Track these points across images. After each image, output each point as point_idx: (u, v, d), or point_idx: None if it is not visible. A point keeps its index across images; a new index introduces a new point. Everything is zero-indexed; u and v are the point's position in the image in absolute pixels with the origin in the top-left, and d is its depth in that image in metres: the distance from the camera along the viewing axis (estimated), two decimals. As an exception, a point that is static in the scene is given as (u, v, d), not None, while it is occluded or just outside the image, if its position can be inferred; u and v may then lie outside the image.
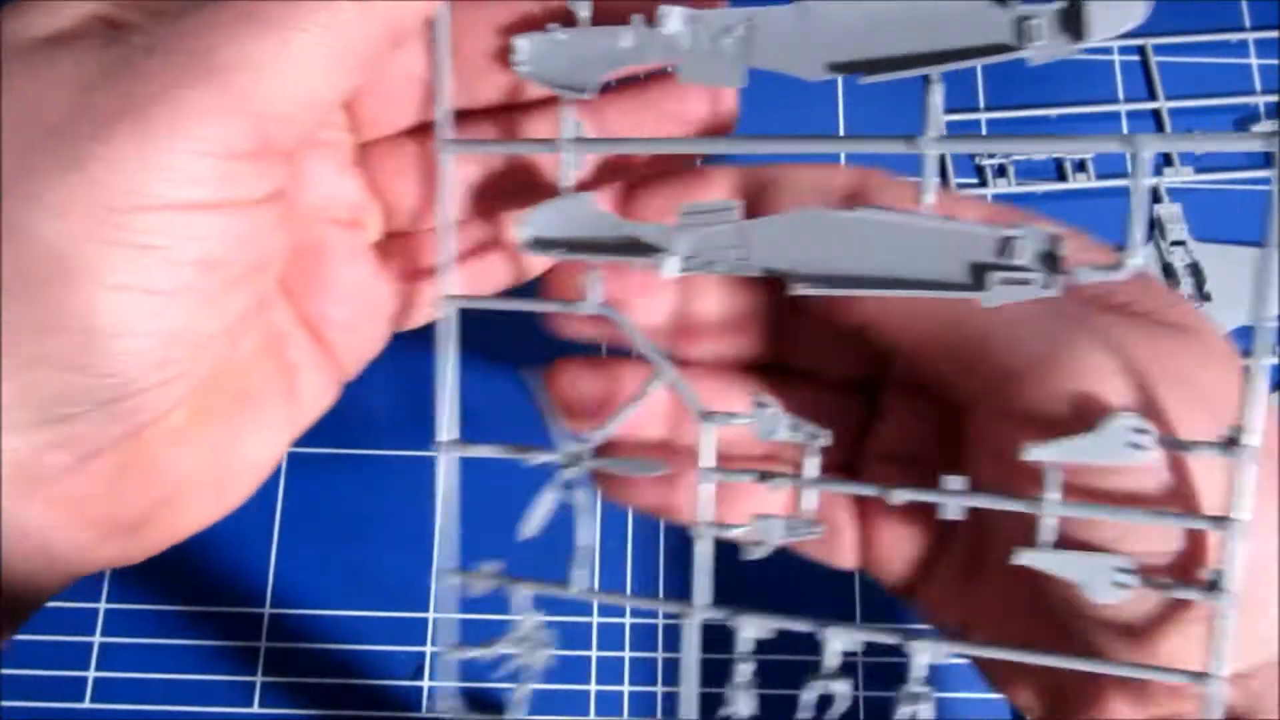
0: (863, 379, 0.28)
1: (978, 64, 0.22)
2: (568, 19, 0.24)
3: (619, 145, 0.26)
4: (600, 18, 0.24)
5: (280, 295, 0.26)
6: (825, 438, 0.24)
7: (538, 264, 0.27)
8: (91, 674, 0.40)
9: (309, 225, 0.26)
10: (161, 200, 0.20)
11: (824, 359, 0.28)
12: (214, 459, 0.24)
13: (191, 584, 0.41)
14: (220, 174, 0.21)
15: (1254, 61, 0.48)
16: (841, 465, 0.27)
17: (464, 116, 0.26)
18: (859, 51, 0.22)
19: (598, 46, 0.24)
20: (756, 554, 0.24)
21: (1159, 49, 0.48)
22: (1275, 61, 0.48)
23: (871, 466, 0.27)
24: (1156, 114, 0.47)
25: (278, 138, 0.22)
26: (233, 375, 0.24)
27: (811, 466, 0.24)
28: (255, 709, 0.40)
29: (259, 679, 0.40)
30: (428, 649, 0.40)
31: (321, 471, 0.42)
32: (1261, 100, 0.47)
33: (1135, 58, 0.48)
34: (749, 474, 0.24)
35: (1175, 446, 0.21)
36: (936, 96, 0.22)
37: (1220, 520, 0.21)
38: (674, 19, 0.23)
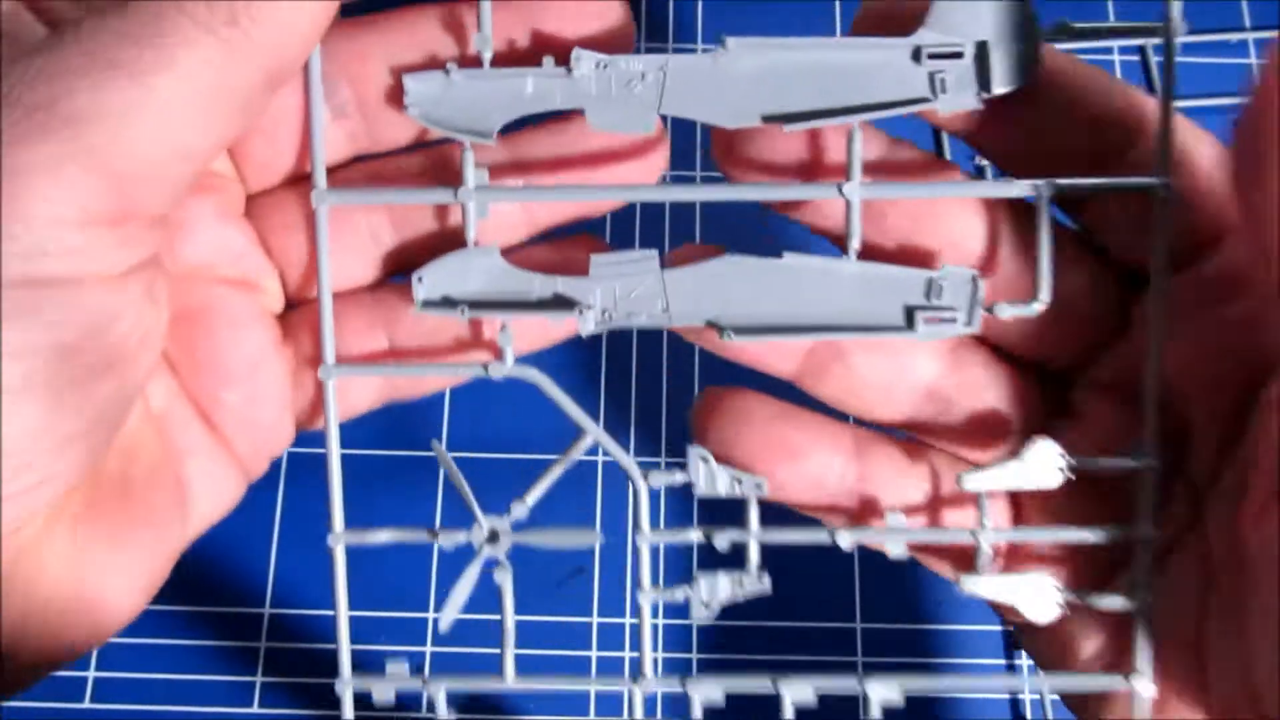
0: (1056, 367, 0.24)
1: (893, 114, 0.22)
2: (475, 59, 0.23)
3: (528, 194, 0.24)
4: (506, 59, 0.23)
5: (164, 371, 0.23)
6: (763, 488, 0.23)
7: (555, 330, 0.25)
8: (91, 674, 0.40)
9: (190, 285, 0.23)
10: (2, 278, 0.18)
11: (1024, 337, 0.24)
12: (84, 575, 0.21)
13: (191, 584, 0.41)
14: (74, 244, 0.18)
15: (1254, 61, 0.48)
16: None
17: (369, 160, 0.24)
18: (776, 101, 0.22)
19: (497, 90, 0.23)
20: (704, 618, 0.24)
21: (1159, 49, 0.48)
22: (1275, 61, 0.48)
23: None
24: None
25: (143, 199, 0.19)
26: (105, 475, 0.21)
27: (752, 518, 0.23)
28: (255, 709, 0.40)
29: (259, 679, 0.40)
30: (428, 649, 0.40)
31: (321, 472, 0.42)
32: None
33: (1135, 58, 0.48)
34: (693, 530, 0.24)
35: (1089, 467, 0.22)
36: (858, 144, 0.22)
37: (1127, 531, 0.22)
38: (585, 62, 0.22)
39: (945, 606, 0.41)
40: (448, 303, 0.23)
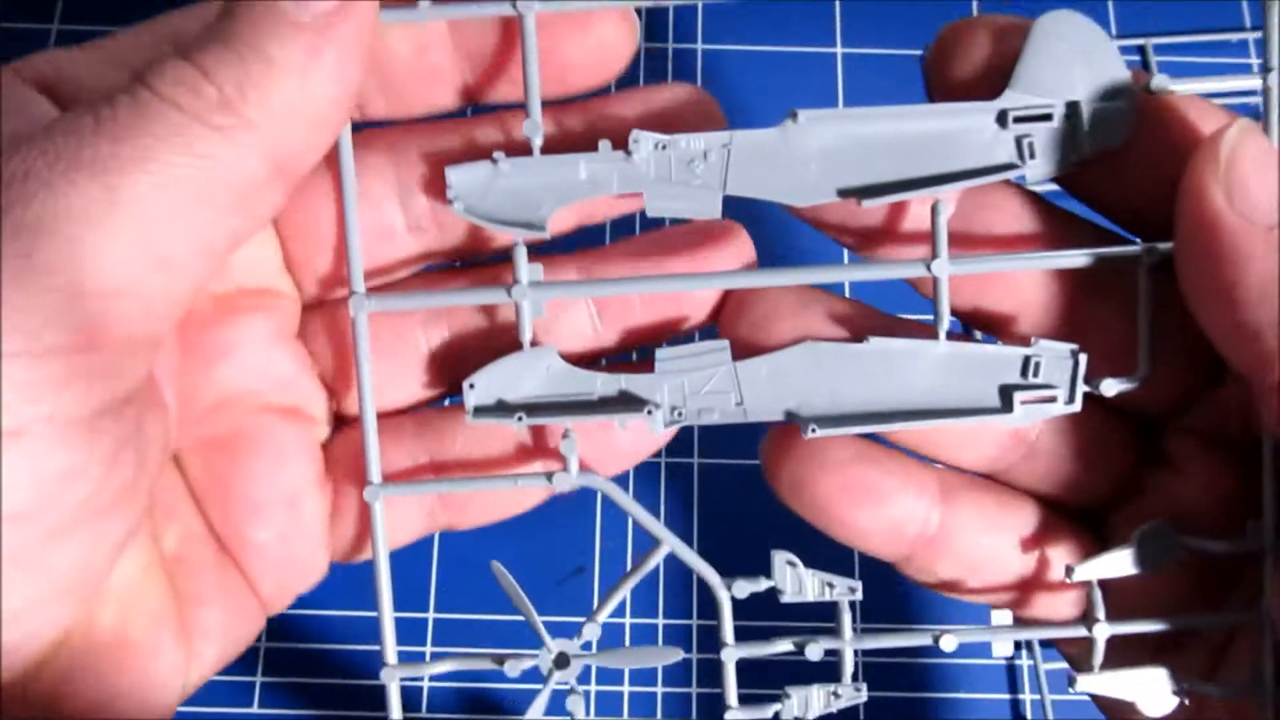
0: (1153, 413, 0.23)
1: (978, 183, 0.21)
2: (522, 147, 0.21)
3: (585, 289, 0.22)
4: (559, 143, 0.21)
5: (184, 506, 0.21)
6: (857, 591, 0.22)
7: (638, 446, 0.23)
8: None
9: (228, 412, 0.22)
10: None
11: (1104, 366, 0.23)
12: None
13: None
14: (21, 380, 0.16)
15: (1254, 61, 0.48)
16: (1096, 503, 0.23)
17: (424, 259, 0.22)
18: (851, 175, 0.21)
19: (547, 178, 0.21)
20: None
21: (1159, 49, 0.48)
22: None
23: (1132, 532, 0.23)
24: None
25: (113, 320, 0.17)
26: (94, 629, 0.19)
27: (845, 625, 0.22)
28: (255, 709, 0.40)
29: (259, 679, 0.40)
30: (428, 649, 0.40)
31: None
32: (1261, 100, 0.47)
33: (1135, 58, 0.48)
34: (783, 641, 0.22)
35: (1204, 550, 0.21)
36: (943, 218, 0.21)
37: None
38: (645, 144, 0.21)
39: (945, 608, 0.41)
40: (502, 409, 0.21)
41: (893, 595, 0.41)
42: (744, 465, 0.42)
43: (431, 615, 0.41)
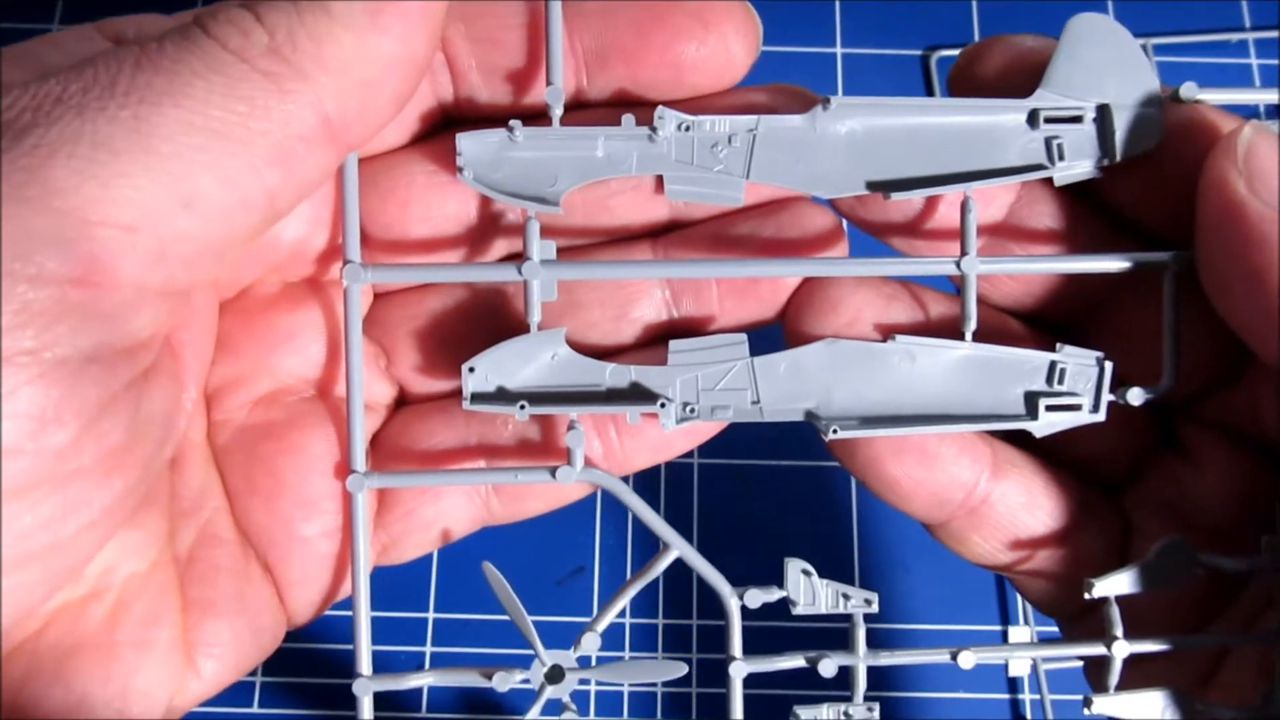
0: (1171, 402, 0.23)
1: (1006, 181, 0.21)
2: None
3: (599, 270, 0.21)
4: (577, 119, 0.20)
5: (217, 503, 0.21)
6: (873, 603, 0.21)
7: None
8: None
9: (284, 401, 0.21)
10: None
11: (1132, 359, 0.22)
12: None
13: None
14: (11, 307, 0.15)
15: (1254, 61, 0.48)
16: (1113, 477, 0.23)
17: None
18: (880, 167, 0.20)
19: (563, 150, 0.20)
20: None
21: (1159, 49, 0.48)
22: (1275, 61, 0.48)
23: (1149, 520, 0.23)
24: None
25: (123, 259, 0.16)
26: (79, 626, 0.19)
27: (859, 640, 0.21)
28: (255, 709, 0.40)
29: (259, 679, 0.40)
30: (428, 649, 0.40)
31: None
32: (1261, 100, 0.47)
33: (1136, 58, 0.48)
34: (794, 657, 0.21)
35: (1218, 567, 0.21)
36: (973, 216, 0.20)
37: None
38: (669, 122, 0.20)
39: (945, 607, 0.41)
40: (503, 396, 0.20)
41: (890, 586, 0.41)
42: (744, 465, 0.42)
43: (431, 615, 0.40)
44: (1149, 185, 0.21)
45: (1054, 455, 0.23)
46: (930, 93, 0.47)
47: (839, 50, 0.47)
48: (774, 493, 0.42)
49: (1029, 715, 0.40)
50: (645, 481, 0.42)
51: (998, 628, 0.41)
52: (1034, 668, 0.40)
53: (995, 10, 0.47)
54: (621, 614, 0.41)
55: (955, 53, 0.47)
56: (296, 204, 0.18)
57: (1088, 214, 0.22)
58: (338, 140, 0.17)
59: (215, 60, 0.16)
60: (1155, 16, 0.47)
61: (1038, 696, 0.40)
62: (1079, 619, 0.23)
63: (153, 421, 0.18)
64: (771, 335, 0.23)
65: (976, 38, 0.48)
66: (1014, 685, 0.41)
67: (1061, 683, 0.40)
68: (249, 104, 0.16)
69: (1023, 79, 0.21)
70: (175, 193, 0.16)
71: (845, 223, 0.22)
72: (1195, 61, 0.48)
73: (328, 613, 0.44)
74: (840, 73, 0.47)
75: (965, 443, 0.22)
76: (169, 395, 0.19)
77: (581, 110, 0.21)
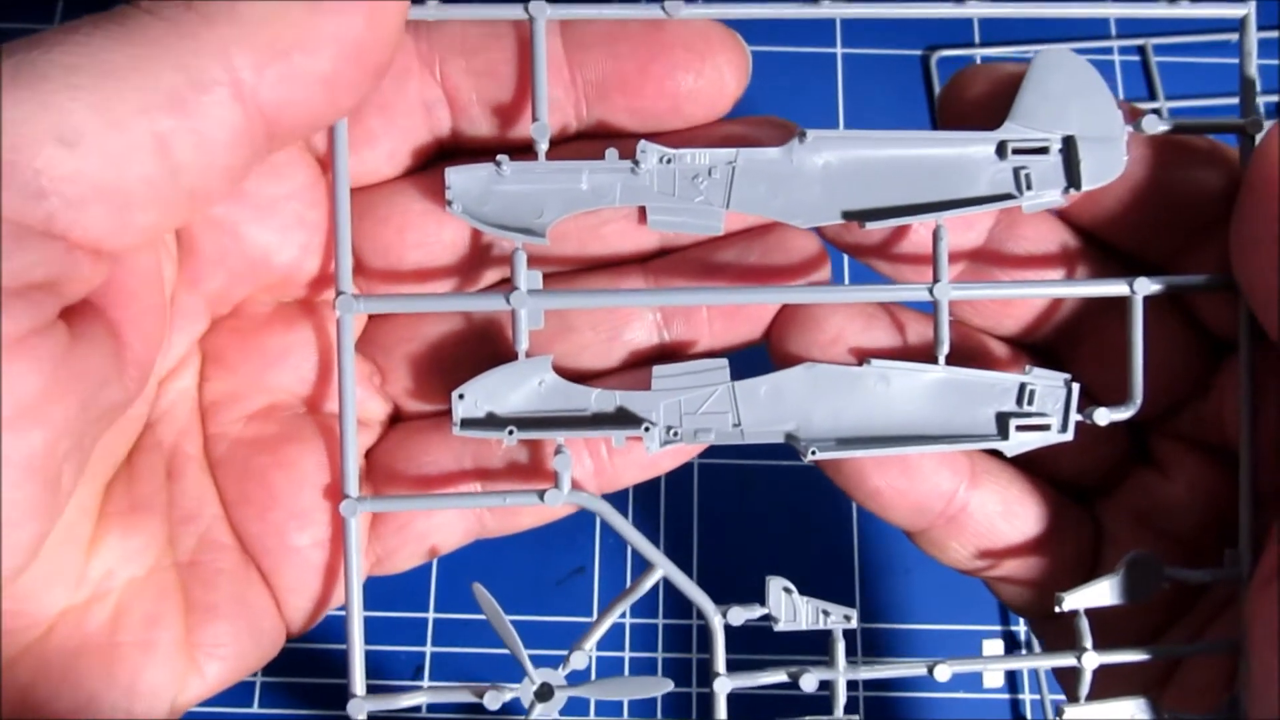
0: (1138, 418, 0.23)
1: (977, 211, 0.21)
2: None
3: (585, 299, 0.22)
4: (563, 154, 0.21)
5: (214, 511, 0.21)
6: (852, 619, 0.22)
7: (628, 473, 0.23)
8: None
9: (278, 417, 0.22)
10: None
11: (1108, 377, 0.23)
12: None
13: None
14: None
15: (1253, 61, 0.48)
16: (1087, 486, 0.24)
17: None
18: (855, 197, 0.21)
19: (549, 184, 0.21)
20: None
21: (1159, 49, 0.48)
22: (1275, 61, 0.48)
23: (1121, 528, 0.24)
24: (1157, 114, 0.47)
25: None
26: (83, 628, 0.19)
27: (839, 655, 0.22)
28: (255, 709, 0.40)
29: (259, 679, 0.40)
30: (428, 649, 0.40)
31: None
32: (1261, 100, 0.47)
33: (1135, 58, 0.48)
34: (776, 672, 0.22)
35: (1183, 579, 0.22)
36: (944, 244, 0.21)
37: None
38: (650, 155, 0.21)
39: (945, 606, 0.41)
40: (493, 421, 0.21)
41: (890, 586, 0.41)
42: (744, 465, 0.42)
43: (431, 615, 0.41)
44: (1123, 210, 0.22)
45: (1031, 466, 0.24)
46: (930, 92, 0.47)
47: (839, 50, 0.47)
48: (774, 493, 0.42)
49: (1029, 715, 0.40)
50: (646, 482, 0.42)
51: (998, 628, 0.41)
52: (1035, 671, 0.40)
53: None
54: (622, 615, 0.41)
55: (955, 53, 0.47)
56: (204, 164, 0.17)
57: (1067, 236, 0.23)
58: (247, 102, 0.17)
59: (124, 15, 0.16)
60: (1152, 20, 0.47)
61: (1038, 696, 0.40)
62: (1051, 619, 0.24)
63: (78, 380, 0.17)
64: (755, 355, 0.23)
65: (976, 39, 0.48)
66: (1014, 685, 0.41)
67: (1061, 683, 0.40)
68: (148, 47, 0.16)
69: (1005, 104, 0.21)
70: (53, 128, 0.16)
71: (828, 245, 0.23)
72: (1195, 61, 0.48)
73: (327, 614, 0.44)
74: (840, 73, 0.47)
75: (945, 454, 0.23)
76: (100, 365, 0.18)
77: (580, 141, 0.22)
